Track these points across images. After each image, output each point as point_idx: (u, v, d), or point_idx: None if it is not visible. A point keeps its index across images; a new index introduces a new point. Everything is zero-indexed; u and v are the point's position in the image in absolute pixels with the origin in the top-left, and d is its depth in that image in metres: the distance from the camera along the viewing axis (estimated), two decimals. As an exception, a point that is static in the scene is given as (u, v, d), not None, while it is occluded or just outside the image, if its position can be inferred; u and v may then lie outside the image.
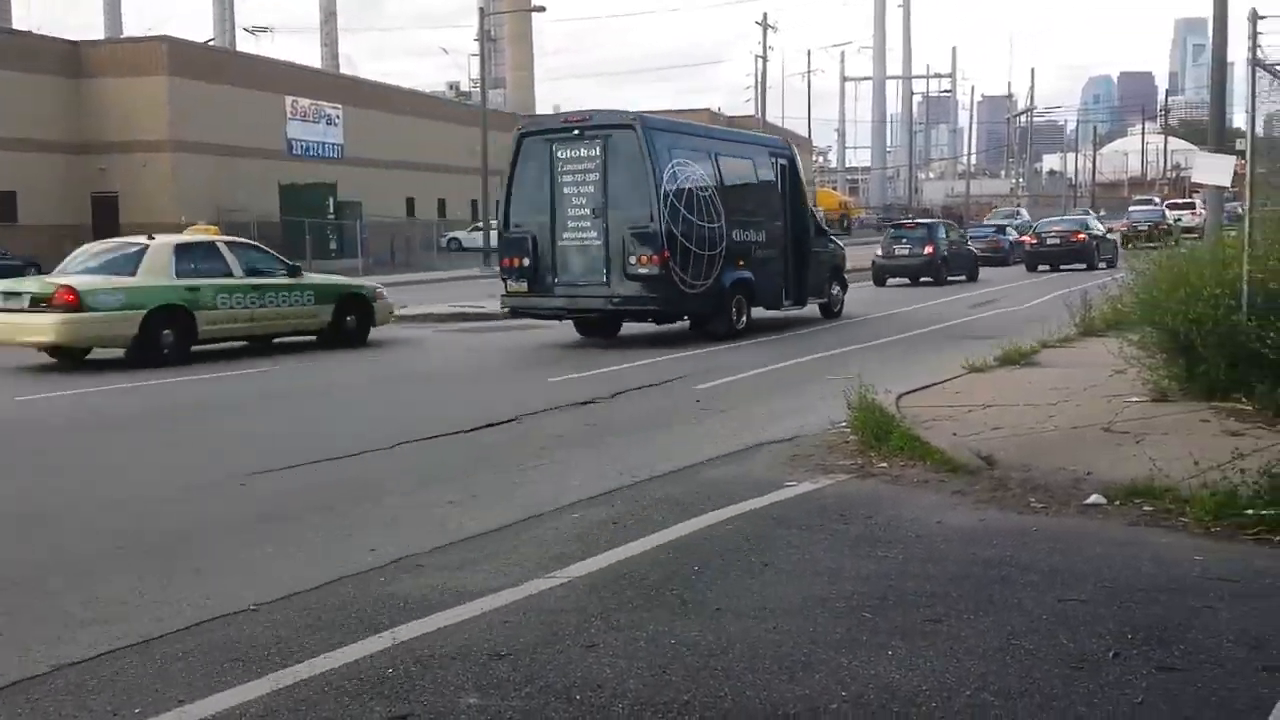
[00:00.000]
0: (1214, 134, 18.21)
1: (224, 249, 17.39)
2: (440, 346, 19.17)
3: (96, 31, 71.22)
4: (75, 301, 14.98)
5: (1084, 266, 36.26)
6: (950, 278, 32.79)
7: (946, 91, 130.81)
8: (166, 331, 15.72)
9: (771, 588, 5.65)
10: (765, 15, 72.76)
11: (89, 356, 16.16)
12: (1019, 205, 72.81)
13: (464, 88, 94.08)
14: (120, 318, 15.32)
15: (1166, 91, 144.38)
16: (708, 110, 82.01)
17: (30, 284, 16.22)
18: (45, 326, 15.08)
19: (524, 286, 17.59)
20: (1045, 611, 5.22)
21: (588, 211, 17.02)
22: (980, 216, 69.86)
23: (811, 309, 21.25)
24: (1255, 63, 10.22)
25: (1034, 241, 39.05)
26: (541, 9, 58.00)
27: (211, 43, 61.88)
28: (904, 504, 7.30)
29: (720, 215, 17.83)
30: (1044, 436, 8.95)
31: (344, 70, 76.02)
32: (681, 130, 18.96)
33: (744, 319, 18.46)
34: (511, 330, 20.36)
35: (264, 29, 74.68)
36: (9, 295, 15.68)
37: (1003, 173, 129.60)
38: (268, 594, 5.71)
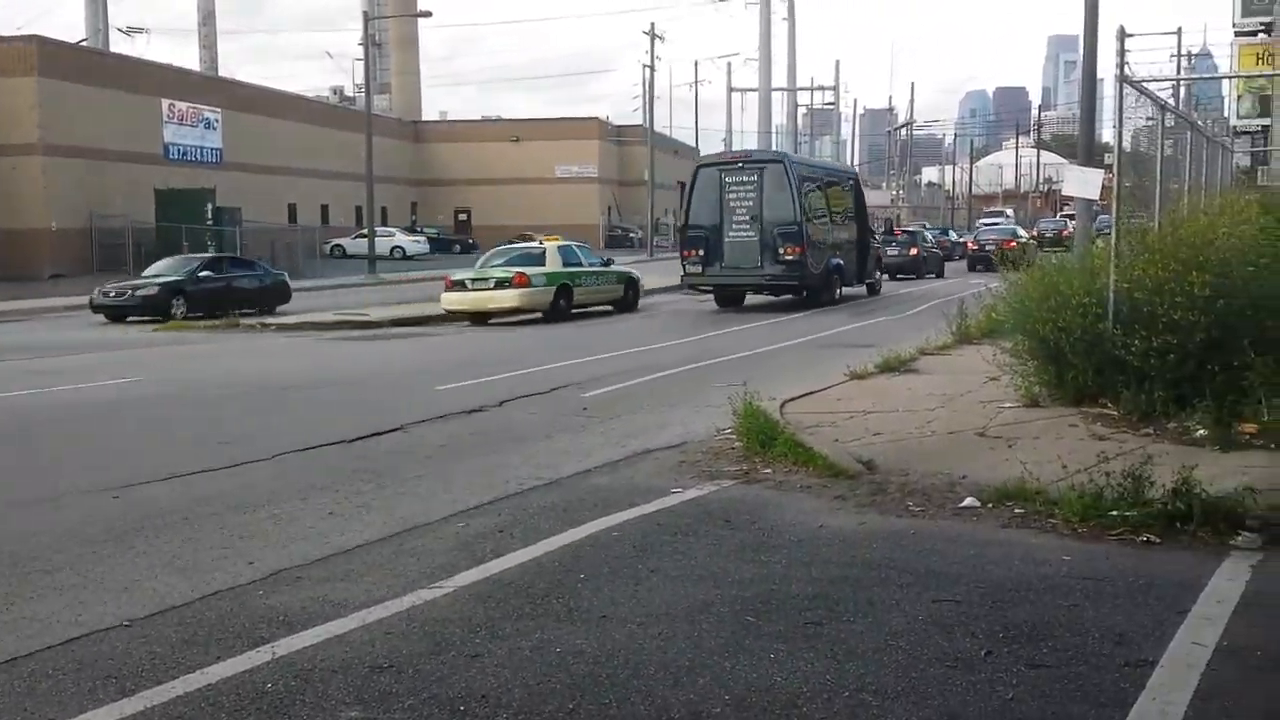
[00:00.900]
0: (1084, 148, 18.78)
1: (575, 248, 26.15)
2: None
3: (-40, 29, 68.62)
4: (526, 282, 23.58)
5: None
6: (926, 273, 40.51)
7: (830, 104, 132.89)
8: (561, 301, 24.07)
9: (657, 594, 5.69)
10: (653, 25, 73.09)
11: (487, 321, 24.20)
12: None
13: (348, 93, 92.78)
14: (544, 292, 23.84)
15: (1039, 106, 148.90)
16: (596, 119, 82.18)
17: (494, 272, 24.23)
18: (512, 297, 23.57)
19: (699, 269, 25.63)
20: (922, 612, 5.36)
21: (748, 218, 24.95)
22: None
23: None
24: (1123, 79, 10.60)
25: (975, 247, 46.76)
26: (427, 14, 57.43)
27: (84, 43, 59.85)
28: (787, 509, 7.42)
29: (828, 220, 26.71)
30: (922, 442, 9.17)
31: (223, 73, 74.18)
32: (807, 163, 31.52)
33: (839, 292, 26.85)
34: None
35: (140, 30, 72.63)
36: (476, 280, 24.11)
37: (884, 184, 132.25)
38: (141, 609, 5.57)
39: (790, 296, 26.26)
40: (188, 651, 4.98)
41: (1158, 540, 6.44)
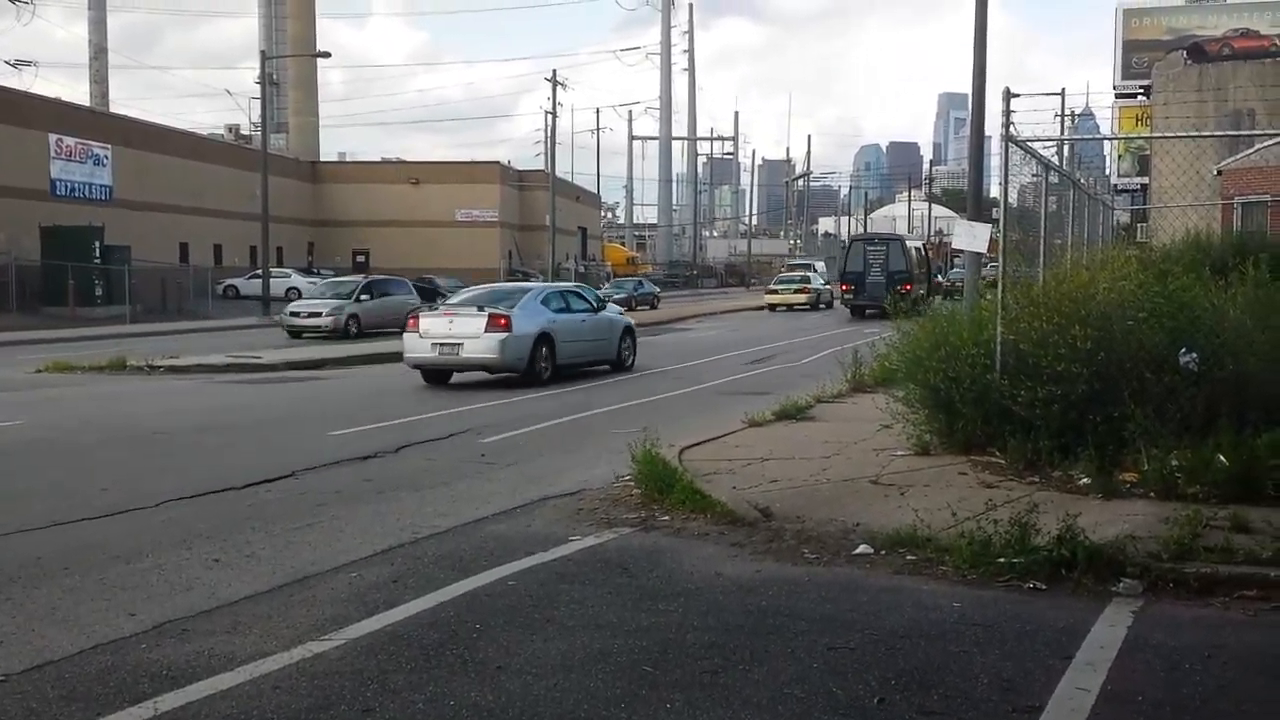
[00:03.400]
0: (972, 203, 19.29)
1: (814, 273, 58.84)
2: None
3: None
4: (809, 291, 50.24)
5: None
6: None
7: (729, 154, 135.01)
8: (819, 301, 50.98)
9: (554, 644, 5.65)
10: (555, 72, 73.43)
11: (778, 310, 48.39)
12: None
13: (245, 131, 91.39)
14: (815, 295, 50.63)
15: (931, 162, 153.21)
16: (497, 163, 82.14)
17: (793, 285, 51.03)
18: (803, 298, 49.72)
19: (851, 297, 43.71)
20: (816, 660, 5.40)
21: (879, 268, 43.12)
22: (762, 274, 74.84)
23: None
24: (1008, 138, 10.95)
25: (947, 284, 57.74)
26: (326, 54, 57.29)
27: (-32, 74, 58.18)
28: (685, 556, 7.44)
29: (916, 269, 45.18)
30: (817, 489, 9.28)
31: (115, 109, 72.56)
32: (907, 237, 54.84)
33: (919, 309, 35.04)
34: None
35: (28, 63, 70.32)
36: (782, 289, 50.92)
37: (782, 233, 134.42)
38: (18, 663, 5.37)
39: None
40: (66, 708, 4.81)
41: (1043, 586, 6.61)
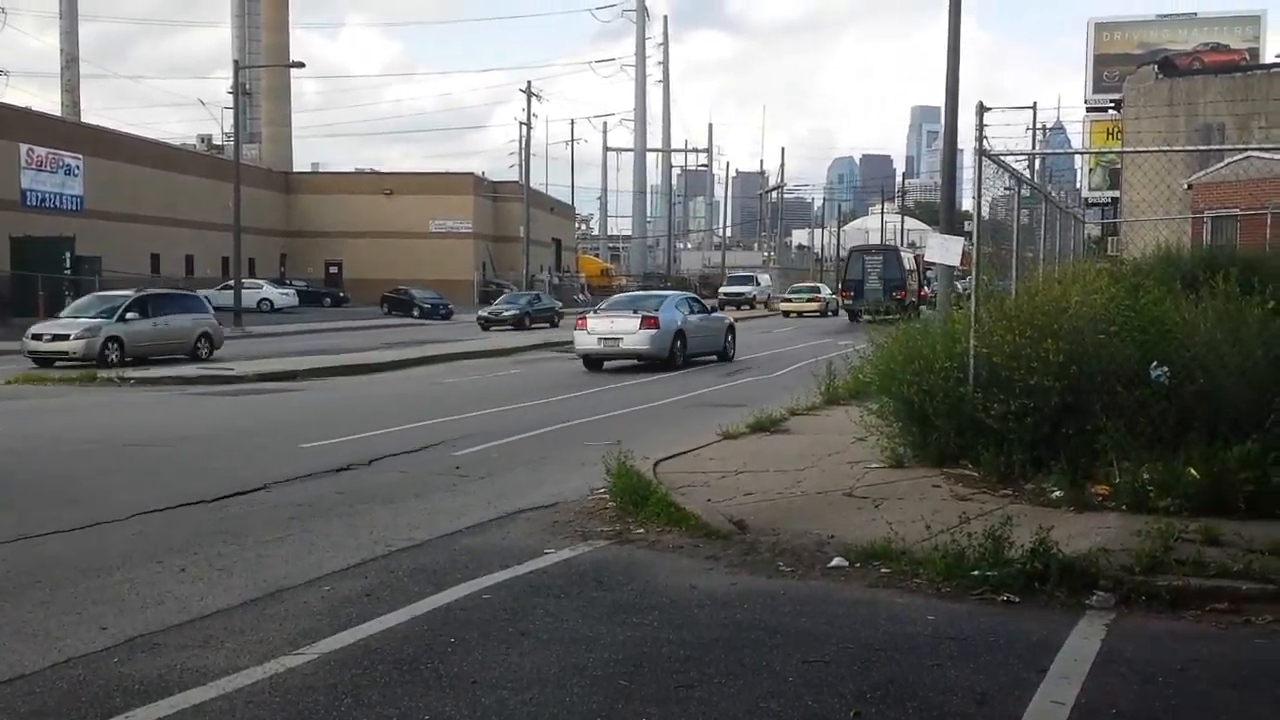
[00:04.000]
0: (945, 216, 19.43)
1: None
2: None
3: None
4: (819, 300, 57.57)
5: None
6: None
7: (704, 166, 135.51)
8: (828, 308, 56.88)
9: (528, 658, 5.63)
10: (529, 83, 73.54)
11: (791, 316, 55.95)
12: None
13: (218, 141, 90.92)
14: (825, 303, 56.95)
15: (904, 174, 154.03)
16: (471, 174, 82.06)
17: (804, 294, 59.00)
18: (814, 306, 56.94)
19: (850, 302, 47.19)
20: (791, 673, 5.41)
21: (876, 275, 47.81)
22: None
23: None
24: (981, 152, 11.01)
25: (930, 294, 62.89)
26: (300, 64, 57.01)
27: (-63, 83, 57.64)
28: (660, 569, 7.43)
29: (910, 275, 49.35)
30: (792, 502, 9.30)
31: (87, 118, 72.06)
32: (900, 249, 57.97)
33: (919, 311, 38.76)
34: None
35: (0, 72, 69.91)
36: (795, 299, 58.60)
37: (755, 245, 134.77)
38: (-16, 680, 5.30)
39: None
40: (34, 725, 4.75)
41: (1017, 599, 6.64)
